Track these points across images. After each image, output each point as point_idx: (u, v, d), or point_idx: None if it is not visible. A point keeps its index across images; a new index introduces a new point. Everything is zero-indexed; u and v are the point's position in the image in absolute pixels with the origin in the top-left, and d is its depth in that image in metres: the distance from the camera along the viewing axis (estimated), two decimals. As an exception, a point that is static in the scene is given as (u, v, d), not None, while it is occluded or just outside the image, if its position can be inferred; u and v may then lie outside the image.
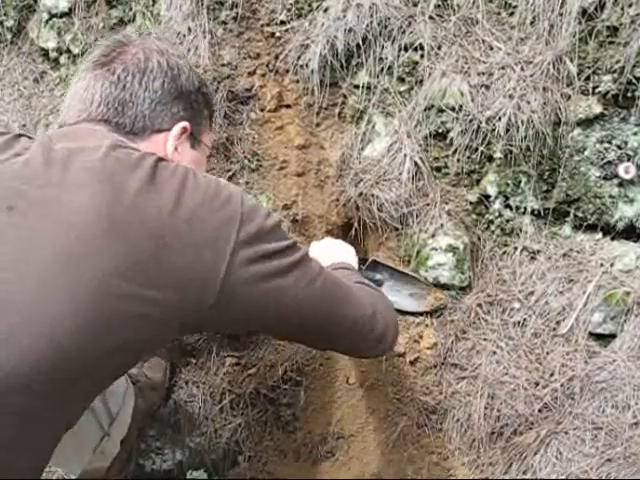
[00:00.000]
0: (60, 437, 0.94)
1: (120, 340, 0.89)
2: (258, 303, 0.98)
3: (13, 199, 0.89)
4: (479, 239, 1.58)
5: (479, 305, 1.56)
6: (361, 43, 1.58)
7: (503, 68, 1.51)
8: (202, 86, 1.18)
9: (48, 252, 0.86)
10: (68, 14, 1.84)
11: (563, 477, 1.40)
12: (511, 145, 1.50)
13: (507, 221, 1.58)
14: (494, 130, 1.50)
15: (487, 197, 1.58)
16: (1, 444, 0.85)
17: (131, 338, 0.90)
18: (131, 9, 1.79)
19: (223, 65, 1.64)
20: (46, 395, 0.86)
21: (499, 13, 1.55)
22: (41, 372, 0.84)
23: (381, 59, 1.59)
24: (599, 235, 1.55)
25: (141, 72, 1.07)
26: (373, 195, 1.56)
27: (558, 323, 1.52)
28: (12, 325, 0.83)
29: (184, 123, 1.11)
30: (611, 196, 1.51)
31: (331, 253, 1.41)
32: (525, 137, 1.48)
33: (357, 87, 1.62)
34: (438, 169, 1.59)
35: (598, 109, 1.50)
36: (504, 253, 1.58)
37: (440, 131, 1.57)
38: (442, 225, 1.56)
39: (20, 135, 1.03)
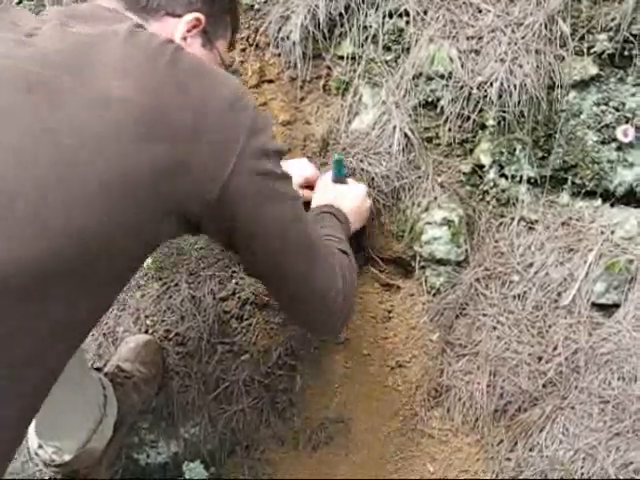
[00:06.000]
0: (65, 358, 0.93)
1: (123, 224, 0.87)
2: (249, 214, 0.96)
3: (30, 83, 0.87)
4: (474, 211, 1.53)
5: (477, 280, 1.50)
6: (344, 11, 1.53)
7: (493, 31, 1.46)
8: None
9: (66, 140, 0.84)
10: (38, -5, 1.78)
11: (571, 453, 1.36)
12: (504, 112, 1.45)
13: (503, 191, 1.52)
14: (486, 97, 1.45)
15: (481, 167, 1.52)
16: None
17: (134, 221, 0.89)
18: (103, -14, 1.72)
19: (201, 41, 1.58)
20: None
21: (487, -27, 1.49)
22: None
23: (365, 27, 1.54)
24: (598, 202, 1.49)
25: None
26: (363, 169, 1.51)
27: (559, 295, 1.47)
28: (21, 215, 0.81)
29: (198, 14, 1.08)
30: (609, 161, 1.46)
31: (340, 200, 1.38)
32: (519, 102, 1.43)
33: (341, 58, 1.57)
34: (429, 140, 1.53)
35: (594, 70, 1.44)
36: (501, 224, 1.52)
37: (430, 100, 1.51)
38: (436, 198, 1.51)
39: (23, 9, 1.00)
